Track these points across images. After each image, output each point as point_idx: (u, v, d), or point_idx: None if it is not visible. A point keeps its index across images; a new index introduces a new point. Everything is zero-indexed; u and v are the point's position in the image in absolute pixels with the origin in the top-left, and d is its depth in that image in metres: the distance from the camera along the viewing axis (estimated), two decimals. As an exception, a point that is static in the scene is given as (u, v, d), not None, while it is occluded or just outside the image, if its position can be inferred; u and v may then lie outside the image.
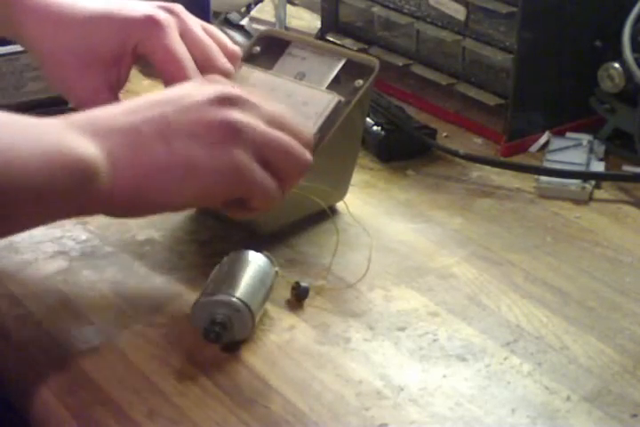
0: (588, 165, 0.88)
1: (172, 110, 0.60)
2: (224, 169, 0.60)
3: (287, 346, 0.65)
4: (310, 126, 0.71)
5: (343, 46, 1.02)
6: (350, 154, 0.80)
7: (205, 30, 0.73)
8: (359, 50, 1.03)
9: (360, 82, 0.76)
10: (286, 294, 0.70)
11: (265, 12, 1.21)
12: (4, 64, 0.97)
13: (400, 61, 1.03)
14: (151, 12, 0.70)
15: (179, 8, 0.72)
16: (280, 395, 0.61)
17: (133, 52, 0.70)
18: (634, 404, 0.60)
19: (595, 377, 0.63)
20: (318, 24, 1.13)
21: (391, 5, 1.02)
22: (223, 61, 0.72)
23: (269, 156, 0.62)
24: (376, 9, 1.04)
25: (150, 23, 0.69)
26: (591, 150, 0.90)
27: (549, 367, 0.64)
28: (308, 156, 0.64)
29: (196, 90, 0.62)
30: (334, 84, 0.76)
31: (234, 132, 0.60)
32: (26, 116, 0.56)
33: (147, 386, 0.61)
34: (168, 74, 0.68)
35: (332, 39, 1.08)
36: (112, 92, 0.71)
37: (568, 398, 0.61)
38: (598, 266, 0.75)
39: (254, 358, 0.64)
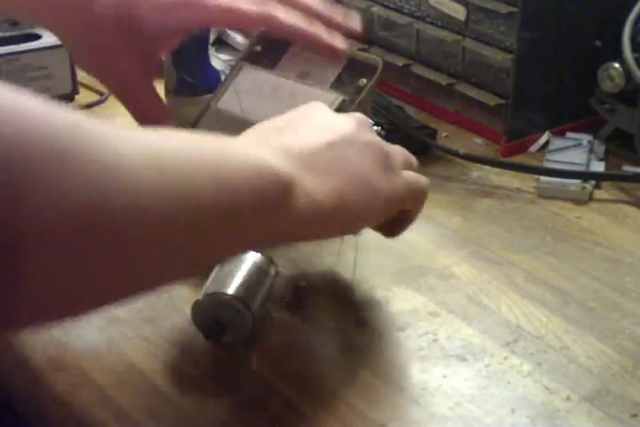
0: (588, 165, 0.88)
1: (338, 138, 0.61)
2: (397, 186, 0.62)
3: (287, 346, 0.65)
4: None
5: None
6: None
7: None
8: (359, 50, 1.03)
9: (364, 81, 0.75)
10: (286, 293, 0.70)
11: (265, 11, 1.21)
12: (4, 64, 0.97)
13: (400, 61, 1.03)
14: None
15: None
16: (280, 395, 0.61)
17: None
18: (634, 404, 0.60)
19: (595, 377, 0.63)
20: (318, 24, 1.13)
21: (391, 5, 1.02)
22: None
23: None
24: (376, 9, 1.04)
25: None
26: (591, 150, 0.90)
27: (549, 367, 0.64)
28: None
29: (331, 114, 0.64)
30: (337, 84, 0.76)
31: (384, 153, 0.62)
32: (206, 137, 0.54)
33: (147, 386, 0.61)
34: (229, 22, 0.70)
35: (331, 39, 1.08)
36: (147, 77, 0.70)
37: (568, 398, 0.61)
38: (598, 266, 0.75)
39: (254, 358, 0.64)
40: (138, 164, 0.43)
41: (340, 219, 0.59)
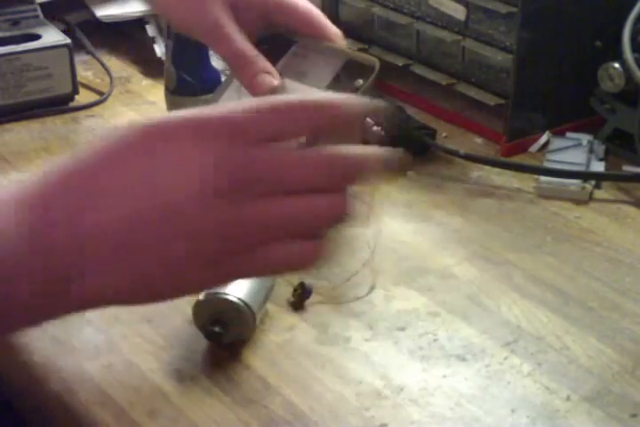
0: (588, 165, 0.88)
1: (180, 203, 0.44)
2: (212, 284, 0.50)
3: (287, 346, 0.65)
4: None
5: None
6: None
7: None
8: (359, 50, 1.03)
9: (360, 81, 0.76)
10: (287, 293, 0.70)
11: (265, 11, 1.21)
12: (4, 64, 0.97)
13: (400, 61, 1.02)
14: None
15: None
16: (280, 395, 0.61)
17: None
18: (634, 404, 0.60)
19: (595, 377, 0.63)
20: (318, 24, 1.13)
21: (391, 5, 1.02)
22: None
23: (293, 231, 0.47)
24: (376, 9, 1.04)
25: None
26: (591, 150, 0.90)
27: (549, 367, 0.64)
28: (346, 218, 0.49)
29: (205, 163, 0.44)
30: (335, 84, 0.76)
31: (236, 243, 0.45)
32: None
33: (147, 386, 0.61)
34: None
35: (332, 39, 1.08)
36: (232, 27, 0.69)
37: (568, 398, 0.61)
38: (598, 266, 0.75)
39: (254, 358, 0.64)
40: None
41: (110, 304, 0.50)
